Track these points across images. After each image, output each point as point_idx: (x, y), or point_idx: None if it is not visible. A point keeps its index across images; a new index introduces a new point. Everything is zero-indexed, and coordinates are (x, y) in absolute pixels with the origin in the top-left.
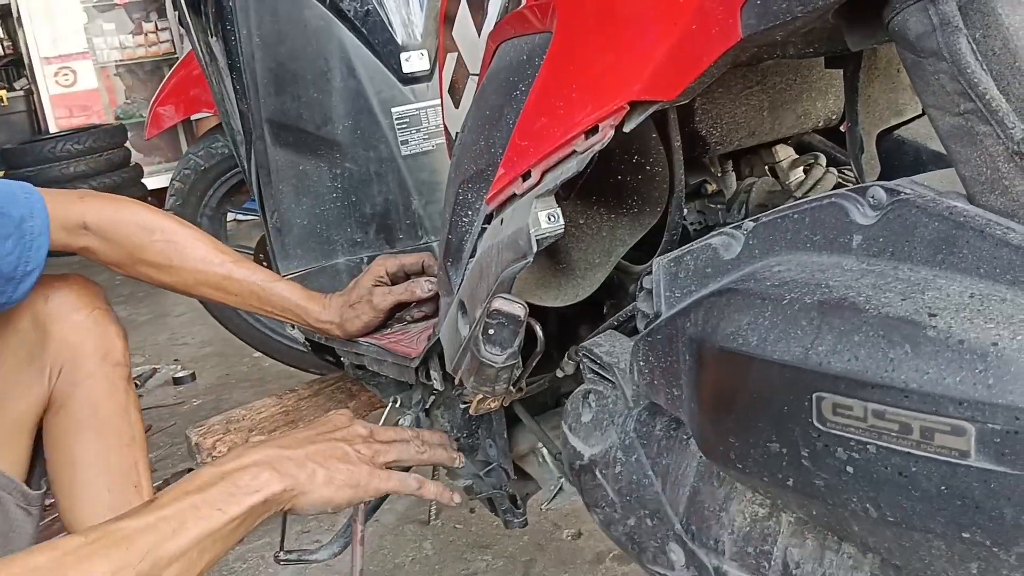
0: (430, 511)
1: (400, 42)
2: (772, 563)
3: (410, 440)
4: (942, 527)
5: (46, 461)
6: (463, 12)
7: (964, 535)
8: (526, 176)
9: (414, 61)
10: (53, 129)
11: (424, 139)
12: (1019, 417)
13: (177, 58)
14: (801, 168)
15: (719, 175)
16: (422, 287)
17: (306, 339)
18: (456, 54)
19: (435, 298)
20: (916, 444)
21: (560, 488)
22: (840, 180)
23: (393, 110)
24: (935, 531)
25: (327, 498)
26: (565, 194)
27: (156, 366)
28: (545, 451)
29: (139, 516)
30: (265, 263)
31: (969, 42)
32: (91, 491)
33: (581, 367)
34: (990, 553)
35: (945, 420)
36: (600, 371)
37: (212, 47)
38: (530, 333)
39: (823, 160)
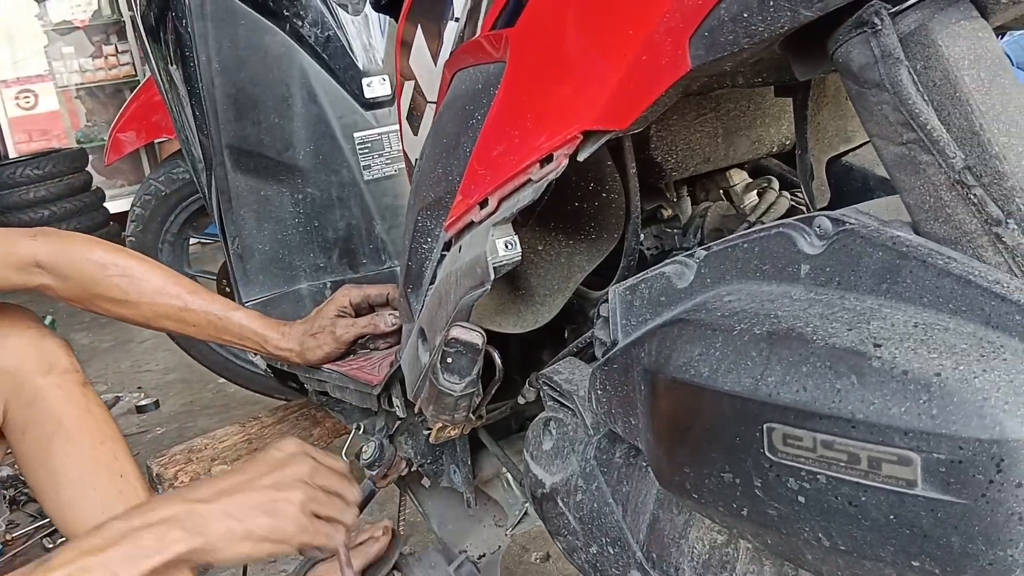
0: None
1: (361, 67)
2: None
3: (350, 505)
4: (892, 556)
5: (30, 486)
6: (419, 41)
7: (914, 563)
8: (483, 204)
9: (376, 86)
10: (12, 154)
11: (387, 164)
12: (963, 447)
13: (138, 81)
14: (755, 192)
15: (675, 200)
16: (386, 320)
17: (268, 366)
18: (413, 82)
19: (399, 331)
20: (864, 474)
21: (525, 512)
22: (793, 204)
23: (355, 135)
24: (885, 560)
25: (244, 554)
26: (523, 221)
27: (119, 394)
28: (510, 476)
29: None
30: (228, 289)
31: (910, 73)
32: (77, 495)
33: (541, 394)
34: None
35: (891, 450)
36: (560, 399)
37: (171, 74)
38: (489, 361)
39: (776, 184)
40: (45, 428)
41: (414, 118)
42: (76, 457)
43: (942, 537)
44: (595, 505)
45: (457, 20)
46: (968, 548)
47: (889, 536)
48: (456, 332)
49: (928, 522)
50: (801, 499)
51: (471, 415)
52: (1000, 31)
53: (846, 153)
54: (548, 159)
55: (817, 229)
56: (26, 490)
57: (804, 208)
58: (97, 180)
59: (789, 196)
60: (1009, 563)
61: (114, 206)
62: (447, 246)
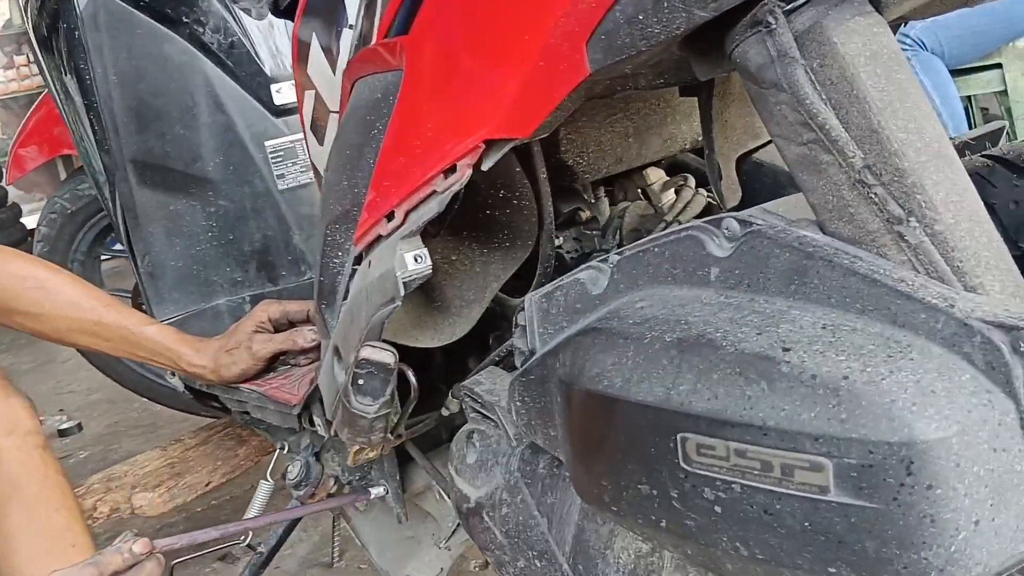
0: (332, 553)
1: (269, 73)
2: None
3: None
4: (809, 563)
5: None
6: (315, 49)
7: (830, 570)
8: (390, 217)
9: (285, 92)
10: None
11: (301, 172)
12: (872, 451)
13: None
14: (672, 190)
15: (592, 201)
16: (304, 336)
17: (186, 387)
18: (314, 91)
19: (319, 347)
20: (778, 481)
21: (459, 524)
22: (710, 200)
23: (266, 143)
24: (803, 567)
25: None
26: (434, 231)
27: (40, 418)
28: (440, 488)
29: None
30: (143, 307)
31: (807, 72)
32: (26, 561)
33: (463, 406)
34: None
35: (803, 456)
36: (482, 410)
37: (67, 86)
38: (403, 379)
39: (692, 181)
40: (2, 491)
41: (318, 128)
42: (29, 524)
43: (857, 543)
44: (520, 518)
45: (352, 27)
46: (883, 553)
47: (805, 543)
48: (367, 352)
49: (842, 528)
50: (717, 509)
51: (389, 435)
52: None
53: (756, 150)
54: (452, 169)
55: (725, 231)
56: None
57: (719, 205)
58: (14, 195)
59: (706, 193)
60: (924, 566)
61: (32, 221)
62: (358, 260)
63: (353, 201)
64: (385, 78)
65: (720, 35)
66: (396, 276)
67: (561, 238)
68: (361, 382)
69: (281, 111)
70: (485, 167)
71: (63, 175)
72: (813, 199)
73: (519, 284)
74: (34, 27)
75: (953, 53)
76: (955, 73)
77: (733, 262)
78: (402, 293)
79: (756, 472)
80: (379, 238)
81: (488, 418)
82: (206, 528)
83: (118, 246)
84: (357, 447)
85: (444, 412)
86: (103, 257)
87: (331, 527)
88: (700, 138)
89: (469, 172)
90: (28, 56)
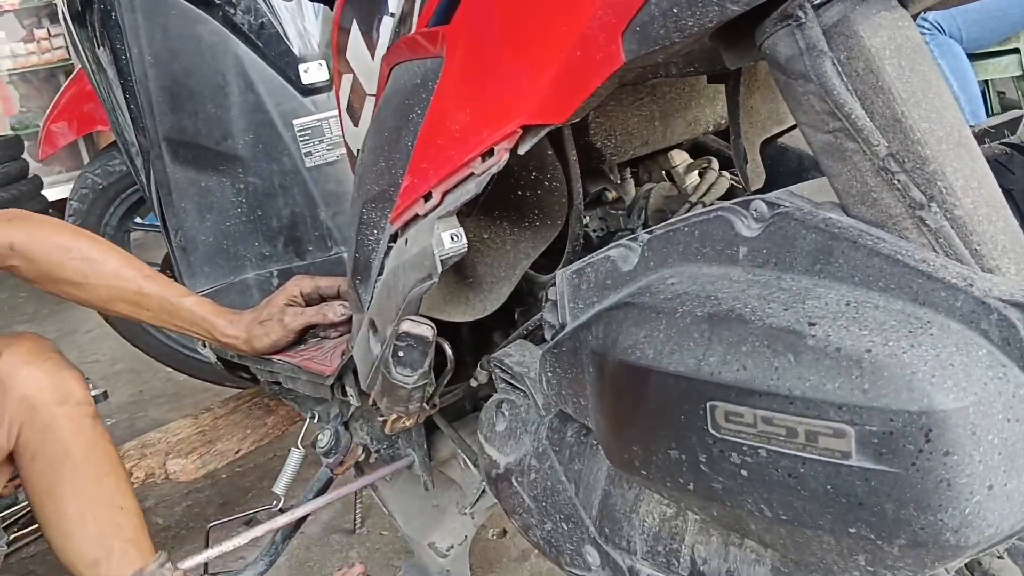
0: (355, 519)
1: (297, 53)
2: (681, 560)
3: None
4: (830, 524)
5: (33, 510)
6: (355, 35)
7: (850, 530)
8: (427, 197)
9: (313, 72)
10: None
11: (328, 150)
12: (893, 419)
13: (73, 66)
14: (696, 172)
15: (618, 182)
16: (335, 310)
17: (218, 358)
18: (351, 75)
19: (348, 320)
20: (802, 447)
21: (483, 491)
22: (733, 183)
23: (295, 122)
24: (824, 527)
25: None
26: (468, 211)
27: None
28: (465, 457)
29: None
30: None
31: (834, 64)
32: (77, 526)
33: (493, 377)
34: (875, 546)
35: (827, 424)
36: (511, 381)
37: (100, 60)
38: (440, 351)
39: (716, 164)
40: (54, 457)
41: (354, 111)
42: (80, 489)
43: (876, 505)
44: (548, 483)
45: (392, 15)
46: (900, 514)
47: (827, 505)
48: (406, 326)
49: (863, 491)
50: (744, 472)
51: (425, 405)
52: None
53: (780, 135)
54: (489, 153)
55: (754, 212)
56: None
57: (743, 187)
58: (34, 168)
59: (729, 175)
60: (939, 527)
61: (52, 193)
62: (393, 238)
63: (390, 182)
64: (424, 64)
65: (750, 27)
66: (433, 254)
67: (588, 218)
68: (401, 354)
69: (309, 90)
70: (521, 151)
71: (84, 149)
72: (837, 184)
73: (546, 262)
74: (68, 6)
75: (971, 37)
76: (973, 57)
77: (761, 242)
78: (439, 270)
79: (781, 438)
80: (416, 217)
81: (517, 388)
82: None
83: (138, 219)
84: (395, 416)
85: (472, 383)
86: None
87: (353, 494)
88: (723, 121)
89: (506, 156)
90: (49, 30)
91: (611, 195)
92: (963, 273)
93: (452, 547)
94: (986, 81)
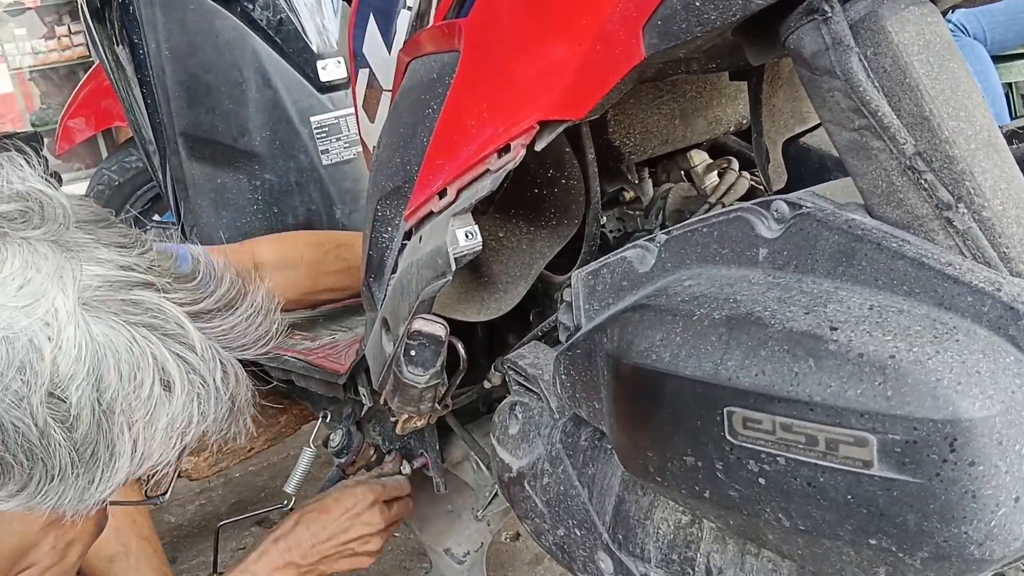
0: None
1: (316, 50)
2: (696, 569)
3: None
4: (850, 535)
5: None
6: (372, 29)
7: (871, 542)
8: (442, 194)
9: (331, 69)
10: None
11: (345, 147)
12: (917, 427)
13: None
14: (715, 173)
15: (636, 182)
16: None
17: None
18: (368, 70)
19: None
20: (822, 455)
21: (495, 494)
22: (753, 183)
23: (312, 119)
24: (844, 538)
25: None
26: (483, 209)
27: None
28: (478, 459)
29: None
30: None
31: (861, 60)
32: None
33: (507, 379)
34: (896, 559)
35: (848, 432)
36: (525, 383)
37: (120, 58)
38: (453, 351)
39: (736, 164)
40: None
41: (370, 106)
42: None
43: (898, 516)
44: (561, 488)
45: (409, 9)
46: (924, 526)
47: (847, 515)
48: (419, 324)
49: (884, 501)
50: (761, 481)
51: (437, 405)
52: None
53: (802, 134)
54: (506, 149)
55: (775, 213)
56: None
57: (764, 188)
58: (53, 164)
59: (749, 176)
60: (963, 540)
61: (71, 190)
62: (407, 235)
63: (405, 178)
64: (441, 59)
65: (774, 22)
66: (448, 251)
67: (604, 218)
68: (413, 353)
69: (326, 87)
70: (538, 147)
71: (103, 145)
72: (862, 184)
73: (561, 263)
74: (87, 2)
75: (996, 39)
76: (996, 60)
77: (782, 243)
78: (453, 268)
79: (801, 446)
80: (430, 214)
81: (531, 390)
82: None
83: (156, 217)
84: (406, 416)
85: (486, 385)
86: (148, 228)
87: None
88: (744, 121)
89: (523, 152)
90: (69, 27)
91: (628, 195)
92: (991, 277)
93: (468, 553)
94: (1010, 84)
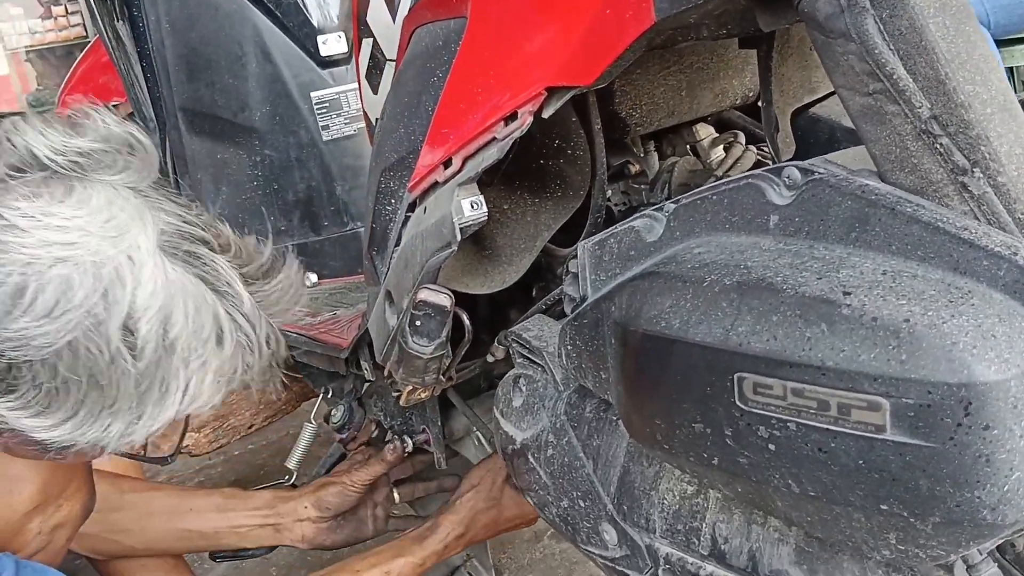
0: None
1: (316, 24)
2: (701, 539)
3: None
4: (861, 500)
5: None
6: None
7: (882, 507)
8: (447, 163)
9: (331, 44)
10: None
11: (345, 123)
12: (931, 391)
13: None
14: (721, 147)
15: (641, 155)
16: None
17: None
18: (372, 40)
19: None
20: (834, 420)
21: None
22: (759, 158)
23: (312, 94)
24: (855, 504)
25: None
26: (488, 180)
27: None
28: (480, 434)
29: None
30: None
31: (876, 22)
32: None
33: (511, 352)
34: (907, 523)
35: (861, 396)
36: (529, 355)
37: (119, 32)
38: (457, 322)
39: (742, 138)
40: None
41: (373, 76)
42: None
43: (910, 480)
44: (566, 460)
45: None
46: (936, 491)
47: (858, 481)
48: (424, 295)
49: (897, 466)
50: (771, 447)
51: (441, 377)
52: None
53: (811, 105)
54: (512, 117)
55: (786, 179)
56: None
57: (770, 162)
58: None
59: (755, 150)
60: (976, 504)
61: None
62: (411, 207)
63: (409, 148)
64: (447, 26)
65: None
66: (453, 222)
67: (609, 191)
68: (418, 323)
69: (327, 62)
70: (546, 115)
71: None
72: (875, 150)
73: (566, 238)
74: None
75: (999, 22)
76: (999, 44)
77: (793, 210)
78: (458, 238)
79: (812, 411)
80: (435, 184)
81: (535, 363)
82: None
83: None
84: (410, 387)
85: (489, 359)
86: None
87: None
88: (751, 94)
89: (530, 120)
90: (66, 6)
91: (634, 168)
92: (1007, 241)
93: None
94: (1012, 68)
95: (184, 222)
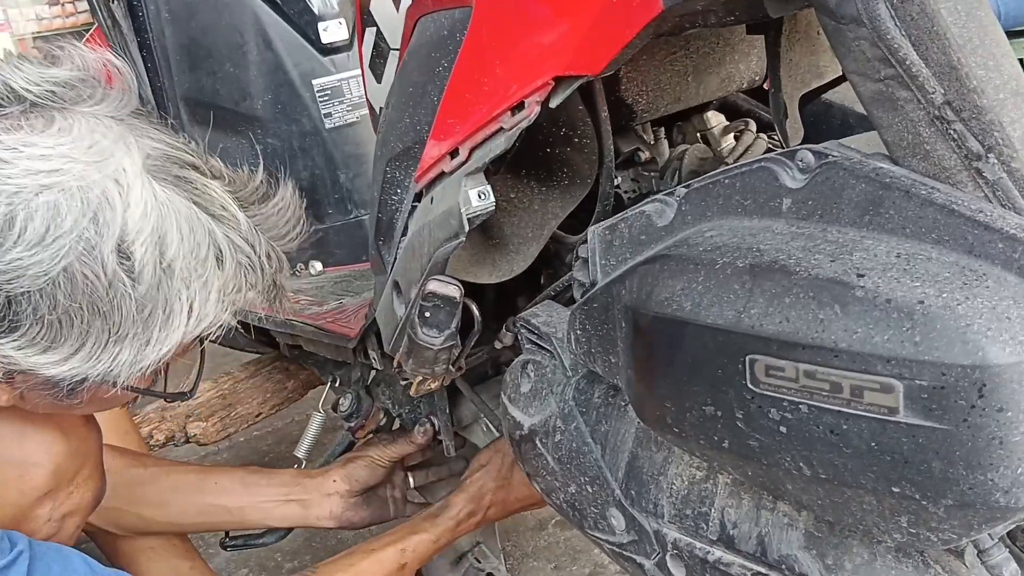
0: None
1: (317, 11)
2: (710, 524)
3: None
4: (873, 483)
5: None
6: None
7: (894, 489)
8: (454, 154)
9: (332, 31)
10: None
11: (348, 111)
12: (945, 373)
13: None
14: (732, 134)
15: (651, 143)
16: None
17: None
18: (375, 28)
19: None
20: (846, 403)
21: None
22: (770, 145)
23: (314, 82)
24: (866, 487)
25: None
26: (495, 169)
27: None
28: (488, 420)
29: None
30: None
31: (888, 7)
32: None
33: (519, 338)
34: (919, 506)
35: (874, 378)
36: (538, 341)
37: (118, 20)
38: (467, 312)
39: (753, 126)
40: None
41: (377, 66)
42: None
43: (923, 463)
44: (574, 445)
45: None
46: (949, 473)
47: (870, 463)
48: (433, 286)
49: (909, 448)
50: (783, 429)
51: (451, 367)
52: None
53: (820, 90)
54: (519, 106)
55: (799, 163)
56: None
57: (782, 146)
58: None
59: (766, 138)
60: (989, 487)
61: None
62: (418, 197)
63: (415, 139)
64: (452, 15)
65: None
66: (460, 212)
67: (619, 179)
68: (427, 315)
69: (328, 50)
70: (553, 104)
71: None
72: (888, 136)
73: (574, 223)
74: None
75: (1010, 13)
76: (1010, 35)
77: (806, 193)
78: (466, 229)
79: (824, 393)
80: (442, 175)
81: (544, 348)
82: None
83: None
84: (420, 377)
85: (497, 345)
86: None
87: None
88: (757, 78)
89: (537, 109)
90: None
91: (644, 156)
92: (1022, 224)
93: None
94: (1022, 60)
95: (170, 147)
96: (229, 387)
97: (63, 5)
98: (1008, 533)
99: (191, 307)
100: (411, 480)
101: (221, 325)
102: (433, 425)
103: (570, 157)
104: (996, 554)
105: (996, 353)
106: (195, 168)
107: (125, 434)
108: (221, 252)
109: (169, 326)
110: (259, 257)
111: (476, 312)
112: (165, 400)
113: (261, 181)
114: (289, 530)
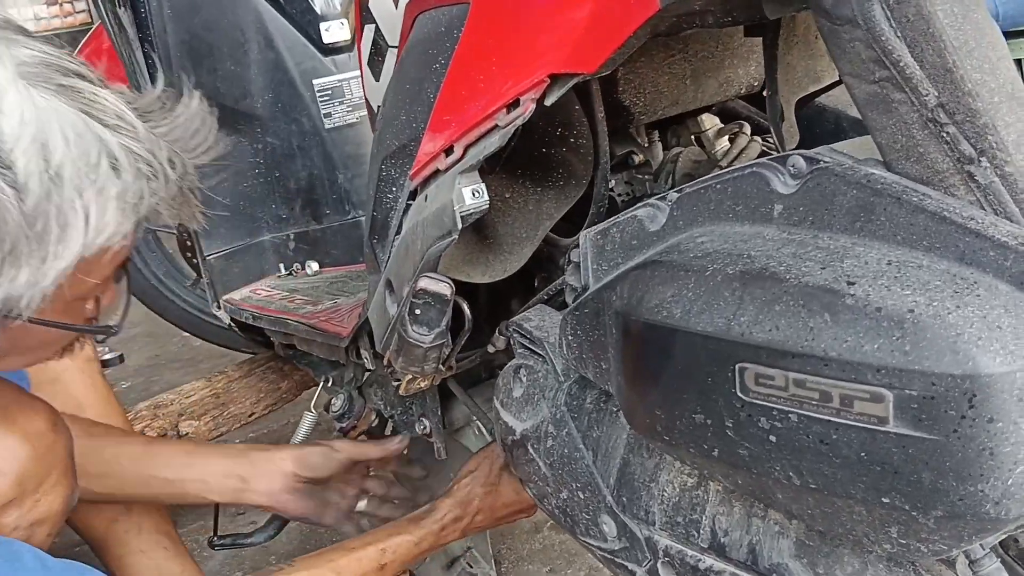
0: None
1: (319, 11)
2: (701, 531)
3: None
4: (863, 493)
5: None
6: None
7: (884, 500)
8: (449, 151)
9: (334, 31)
10: None
11: (348, 111)
12: (935, 383)
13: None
14: (726, 137)
15: (645, 145)
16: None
17: (232, 319)
18: (374, 26)
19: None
20: (836, 412)
21: None
22: (765, 148)
23: (315, 82)
24: (856, 497)
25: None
26: (489, 168)
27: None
28: (480, 424)
29: None
30: (188, 242)
31: (883, 9)
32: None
33: (511, 342)
34: (909, 517)
35: (864, 387)
36: (530, 346)
37: (121, 18)
38: (458, 311)
39: (747, 129)
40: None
41: (375, 63)
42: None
43: (913, 473)
44: (565, 451)
45: None
46: (939, 484)
47: (860, 473)
48: (424, 283)
49: (899, 459)
50: (772, 438)
51: (441, 366)
52: None
53: (816, 94)
54: (515, 104)
55: (791, 168)
56: None
57: (776, 152)
58: None
59: (761, 141)
60: (979, 498)
61: None
62: (412, 195)
63: (411, 136)
64: (450, 12)
65: None
66: (454, 210)
67: (613, 181)
68: (418, 312)
69: (329, 49)
70: (548, 102)
71: None
72: (881, 139)
73: (567, 226)
74: None
75: (1008, 13)
76: (1008, 35)
77: (798, 199)
78: (459, 227)
79: (814, 402)
80: (436, 172)
81: (536, 353)
82: None
83: None
84: (410, 376)
85: (490, 349)
86: None
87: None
88: (756, 84)
89: (532, 107)
90: None
91: (638, 159)
92: (1014, 231)
93: None
94: (1020, 60)
95: (50, 55)
96: (223, 386)
97: (61, 5)
98: (1000, 543)
99: (87, 216)
100: (362, 503)
101: (125, 235)
102: (427, 430)
103: (566, 158)
104: (987, 564)
105: (987, 363)
106: (81, 77)
107: (106, 403)
108: (117, 159)
109: (66, 238)
110: (160, 164)
111: (467, 311)
112: (90, 335)
113: (162, 91)
114: (279, 529)
